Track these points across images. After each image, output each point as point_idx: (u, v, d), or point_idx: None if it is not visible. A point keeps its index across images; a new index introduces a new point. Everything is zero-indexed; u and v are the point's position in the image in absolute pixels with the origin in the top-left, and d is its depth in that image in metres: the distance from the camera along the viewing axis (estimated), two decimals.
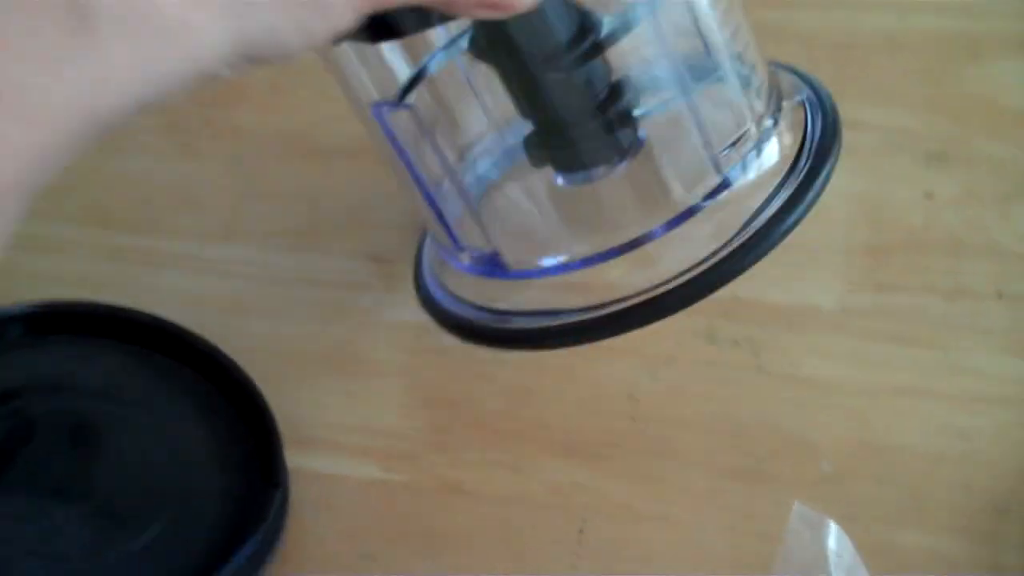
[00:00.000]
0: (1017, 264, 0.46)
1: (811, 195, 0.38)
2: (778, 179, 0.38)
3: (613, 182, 0.39)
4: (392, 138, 0.38)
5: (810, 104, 0.41)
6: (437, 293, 0.42)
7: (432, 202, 0.39)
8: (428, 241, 0.44)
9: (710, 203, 0.38)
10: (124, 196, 0.50)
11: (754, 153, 0.39)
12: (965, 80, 0.53)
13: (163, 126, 0.53)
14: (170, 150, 0.52)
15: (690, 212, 0.38)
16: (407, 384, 0.44)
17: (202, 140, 0.52)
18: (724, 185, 0.38)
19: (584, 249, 0.38)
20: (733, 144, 0.38)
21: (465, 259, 0.41)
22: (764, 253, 0.37)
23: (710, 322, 0.44)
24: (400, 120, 0.37)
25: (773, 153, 0.39)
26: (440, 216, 0.40)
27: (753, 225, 0.37)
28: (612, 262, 0.38)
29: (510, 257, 0.39)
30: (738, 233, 0.37)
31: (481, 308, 0.40)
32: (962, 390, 0.42)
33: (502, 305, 0.40)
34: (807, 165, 0.39)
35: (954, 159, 0.49)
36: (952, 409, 0.42)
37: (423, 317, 0.46)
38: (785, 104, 0.41)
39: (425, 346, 0.45)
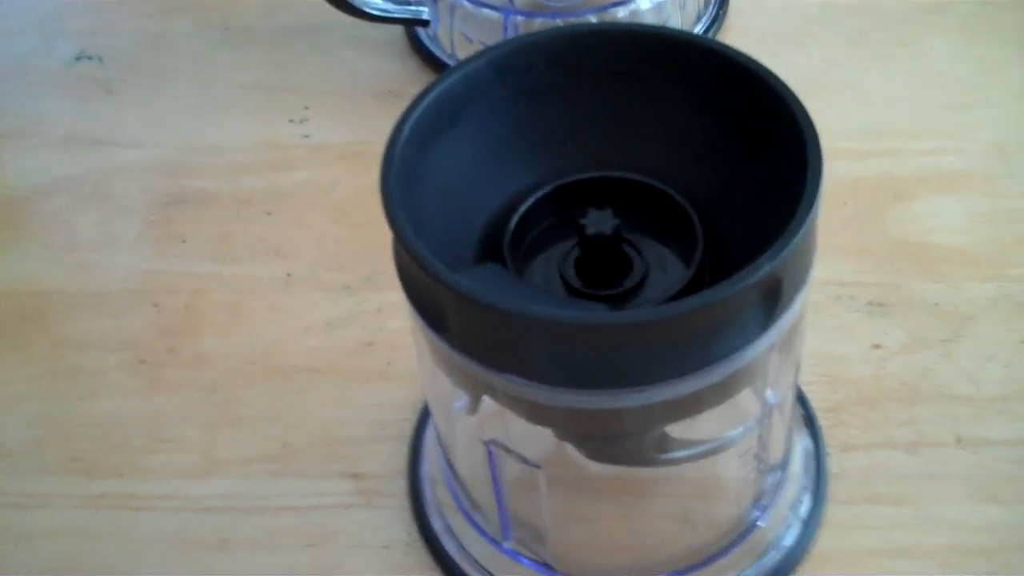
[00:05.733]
0: (968, 407, 0.48)
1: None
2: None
3: None
4: (494, 469, 0.40)
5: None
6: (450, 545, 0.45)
7: (501, 507, 0.41)
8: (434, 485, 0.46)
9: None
10: (99, 441, 0.51)
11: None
12: (891, 223, 0.55)
13: (130, 361, 0.54)
14: (140, 387, 0.53)
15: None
16: None
17: (168, 370, 0.53)
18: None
19: None
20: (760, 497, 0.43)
21: (512, 546, 0.43)
22: None
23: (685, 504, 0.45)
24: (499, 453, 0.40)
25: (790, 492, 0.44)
26: (502, 510, 0.42)
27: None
28: None
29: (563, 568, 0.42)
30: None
31: None
32: (936, 545, 0.43)
33: None
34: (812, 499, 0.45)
35: (894, 306, 0.52)
36: (928, 566, 0.43)
37: (408, 533, 0.47)
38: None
39: (415, 562, 0.46)
